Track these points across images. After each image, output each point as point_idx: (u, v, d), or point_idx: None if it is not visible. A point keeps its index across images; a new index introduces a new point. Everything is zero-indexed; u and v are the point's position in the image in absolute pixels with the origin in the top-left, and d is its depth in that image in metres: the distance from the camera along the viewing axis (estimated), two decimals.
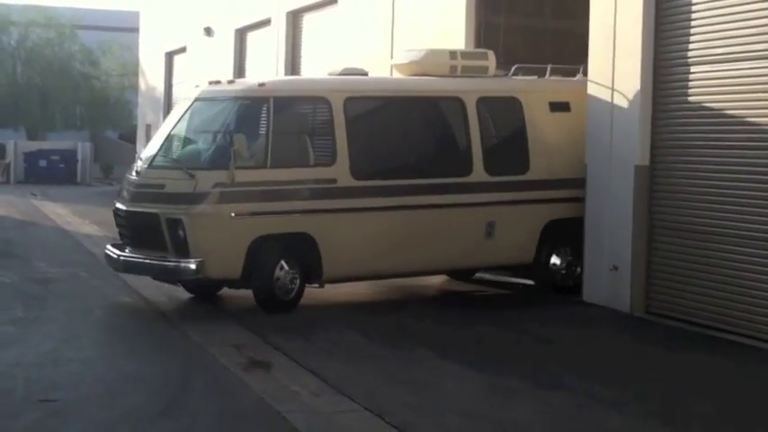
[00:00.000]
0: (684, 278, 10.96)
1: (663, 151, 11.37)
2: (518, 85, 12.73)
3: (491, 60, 12.69)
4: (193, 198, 10.67)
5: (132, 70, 40.13)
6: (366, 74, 12.58)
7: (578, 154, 12.23)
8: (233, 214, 10.70)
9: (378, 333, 10.13)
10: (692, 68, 10.97)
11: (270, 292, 10.92)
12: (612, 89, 11.77)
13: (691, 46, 10.98)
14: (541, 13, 15.88)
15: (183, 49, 29.24)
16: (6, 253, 15.92)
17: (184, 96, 12.28)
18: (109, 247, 11.84)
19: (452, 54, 12.54)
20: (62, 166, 36.09)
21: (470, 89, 12.27)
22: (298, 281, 11.07)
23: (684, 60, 11.05)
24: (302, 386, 8.11)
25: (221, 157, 10.76)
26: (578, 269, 12.34)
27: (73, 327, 10.53)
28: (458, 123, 12.09)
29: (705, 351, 9.84)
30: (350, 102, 11.48)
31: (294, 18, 21.16)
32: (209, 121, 11.58)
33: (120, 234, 11.73)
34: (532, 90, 12.66)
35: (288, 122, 11.28)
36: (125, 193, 11.55)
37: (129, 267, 11.35)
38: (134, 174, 11.53)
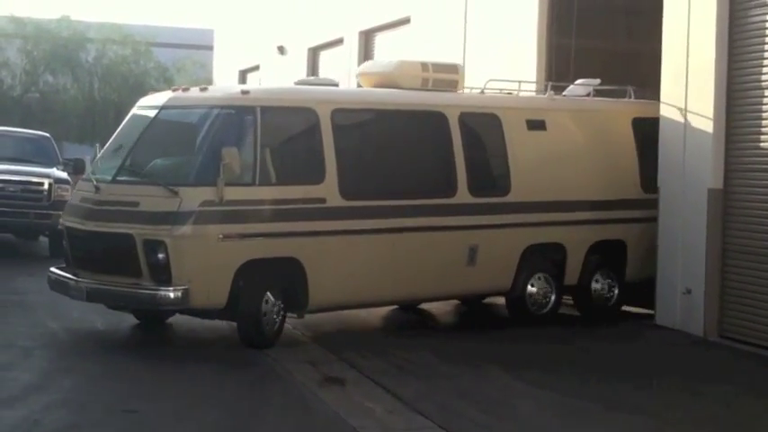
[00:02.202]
0: (758, 302, 10.92)
1: (737, 174, 11.36)
2: (496, 101, 12.09)
3: (461, 74, 12.09)
4: (177, 218, 9.59)
5: None
6: (337, 84, 12.07)
7: (556, 175, 11.88)
8: (221, 236, 9.69)
9: (449, 352, 10.23)
10: (767, 92, 10.94)
11: (258, 324, 9.95)
12: (685, 112, 11.79)
13: (765, 70, 10.96)
14: (613, 35, 15.89)
15: (256, 67, 29.64)
16: None
17: (142, 104, 11.17)
18: (55, 270, 10.67)
19: (424, 66, 11.78)
20: None
21: (452, 104, 11.56)
22: (282, 311, 10.13)
23: (759, 84, 11.04)
24: (376, 403, 8.27)
25: (208, 173, 9.75)
26: (552, 297, 11.89)
27: (153, 340, 10.78)
28: (443, 140, 11.26)
29: None
30: (337, 114, 10.59)
31: (366, 37, 21.41)
32: (182, 132, 10.62)
33: (71, 257, 10.52)
34: (511, 107, 11.99)
35: (276, 135, 10.27)
36: (81, 211, 10.33)
37: (94, 296, 10.08)
38: (91, 189, 10.31)
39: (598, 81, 13.00)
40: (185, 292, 9.54)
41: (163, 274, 9.61)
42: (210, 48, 36.37)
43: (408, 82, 11.61)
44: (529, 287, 11.78)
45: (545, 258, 11.82)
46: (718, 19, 11.36)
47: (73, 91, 45.19)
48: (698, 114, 11.62)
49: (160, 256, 9.57)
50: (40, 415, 7.64)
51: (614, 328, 12.06)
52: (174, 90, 10.88)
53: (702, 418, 8.27)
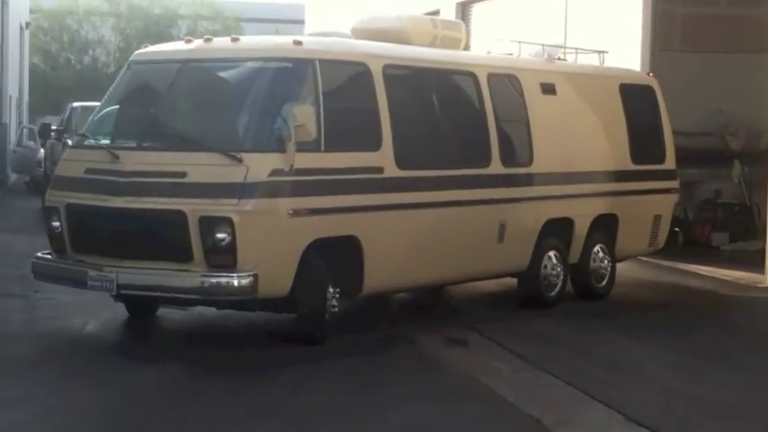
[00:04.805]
0: None
1: None
2: (514, 61, 11.12)
3: (464, 32, 11.08)
4: (245, 190, 8.16)
5: None
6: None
7: (569, 144, 11.05)
8: (290, 211, 8.34)
9: (564, 317, 10.46)
10: None
11: (322, 315, 8.67)
12: None
13: None
14: (719, 1, 15.85)
15: None
16: None
17: (146, 58, 9.59)
18: (48, 257, 9.10)
19: (434, 22, 10.77)
20: None
21: (479, 63, 10.58)
22: (338, 300, 8.84)
23: None
24: (502, 363, 8.58)
25: (273, 137, 8.37)
26: (562, 277, 10.87)
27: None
28: (478, 103, 10.27)
29: None
30: (388, 70, 9.38)
31: (463, 9, 21.46)
32: (225, 89, 9.04)
33: (72, 240, 8.88)
34: (528, 69, 11.02)
35: (335, 93, 8.92)
36: (96, 185, 8.71)
37: (131, 286, 8.43)
38: (104, 158, 8.77)
39: (562, 45, 12.50)
40: (254, 279, 8.08)
41: (225, 258, 8.15)
42: (301, 22, 36.79)
43: (420, 38, 10.39)
44: (543, 266, 10.73)
45: (556, 235, 10.83)
46: None
47: None
48: None
49: (221, 236, 8.13)
50: (169, 382, 7.68)
51: (716, 291, 12.22)
52: (187, 41, 9.44)
53: None
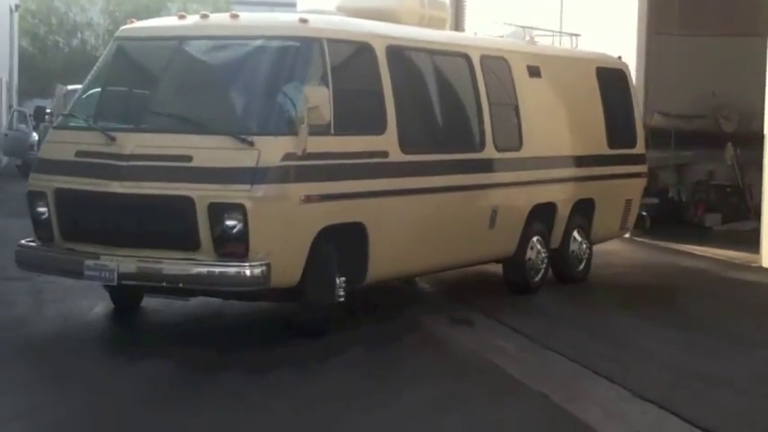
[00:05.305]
0: None
1: None
2: (503, 43, 10.96)
3: (448, 12, 10.90)
4: (257, 175, 7.85)
5: None
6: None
7: (554, 128, 10.93)
8: (302, 197, 8.08)
9: (565, 297, 10.66)
10: None
11: (330, 306, 8.46)
12: None
13: None
14: None
15: None
16: None
17: (134, 35, 9.14)
18: (34, 245, 8.63)
19: (421, 2, 10.26)
20: None
21: (472, 45, 10.38)
22: (344, 288, 8.55)
23: None
24: (506, 341, 8.74)
25: (285, 119, 8.07)
26: (545, 262, 10.81)
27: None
28: (473, 86, 10.08)
29: None
30: (391, 50, 9.14)
31: None
32: (229, 68, 8.67)
33: (63, 228, 8.43)
34: (515, 50, 10.84)
35: (342, 74, 8.58)
36: (91, 168, 8.28)
37: (133, 275, 8.02)
38: (98, 140, 8.33)
39: (534, 26, 12.26)
40: (267, 269, 7.79)
41: (236, 247, 7.84)
42: (293, 5, 36.75)
43: (408, 17, 10.06)
44: (528, 252, 10.60)
45: (540, 220, 10.71)
46: None
47: None
48: None
49: (231, 223, 7.82)
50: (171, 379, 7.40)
51: (714, 271, 12.43)
52: (180, 17, 9.04)
53: None
